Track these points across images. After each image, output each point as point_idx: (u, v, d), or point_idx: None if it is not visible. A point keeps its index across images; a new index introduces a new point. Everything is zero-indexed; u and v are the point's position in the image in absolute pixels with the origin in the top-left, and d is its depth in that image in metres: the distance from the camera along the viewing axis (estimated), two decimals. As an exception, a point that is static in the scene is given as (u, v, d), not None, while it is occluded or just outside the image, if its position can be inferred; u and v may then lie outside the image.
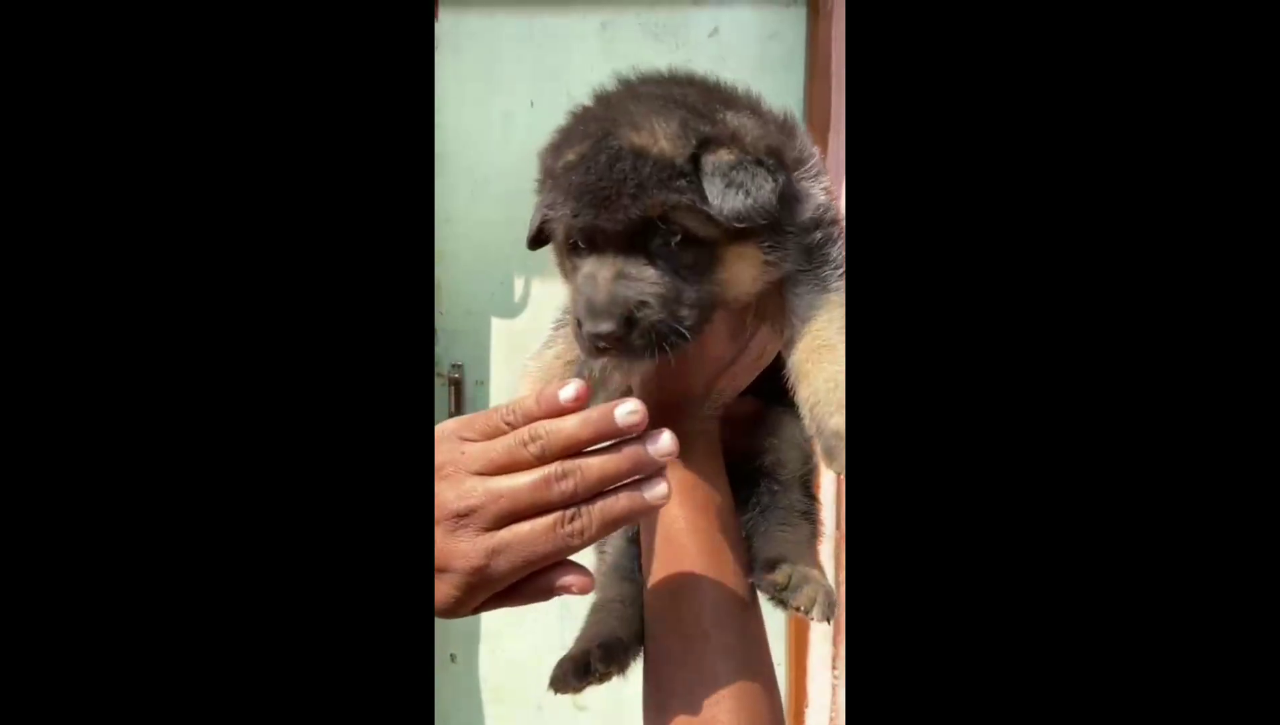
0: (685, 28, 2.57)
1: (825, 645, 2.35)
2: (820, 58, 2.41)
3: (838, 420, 0.70)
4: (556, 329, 0.90)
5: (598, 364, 0.82)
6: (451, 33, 2.55)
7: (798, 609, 0.84)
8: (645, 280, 0.73)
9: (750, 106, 0.81)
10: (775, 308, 0.82)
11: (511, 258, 2.55)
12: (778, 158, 0.77)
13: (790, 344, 0.77)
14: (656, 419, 0.81)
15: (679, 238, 0.74)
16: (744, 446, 0.96)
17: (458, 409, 2.55)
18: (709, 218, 0.73)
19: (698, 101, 0.78)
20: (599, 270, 0.74)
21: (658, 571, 0.83)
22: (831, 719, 2.48)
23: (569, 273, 0.81)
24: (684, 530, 0.82)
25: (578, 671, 0.92)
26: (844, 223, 0.80)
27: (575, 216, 0.74)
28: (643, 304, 0.72)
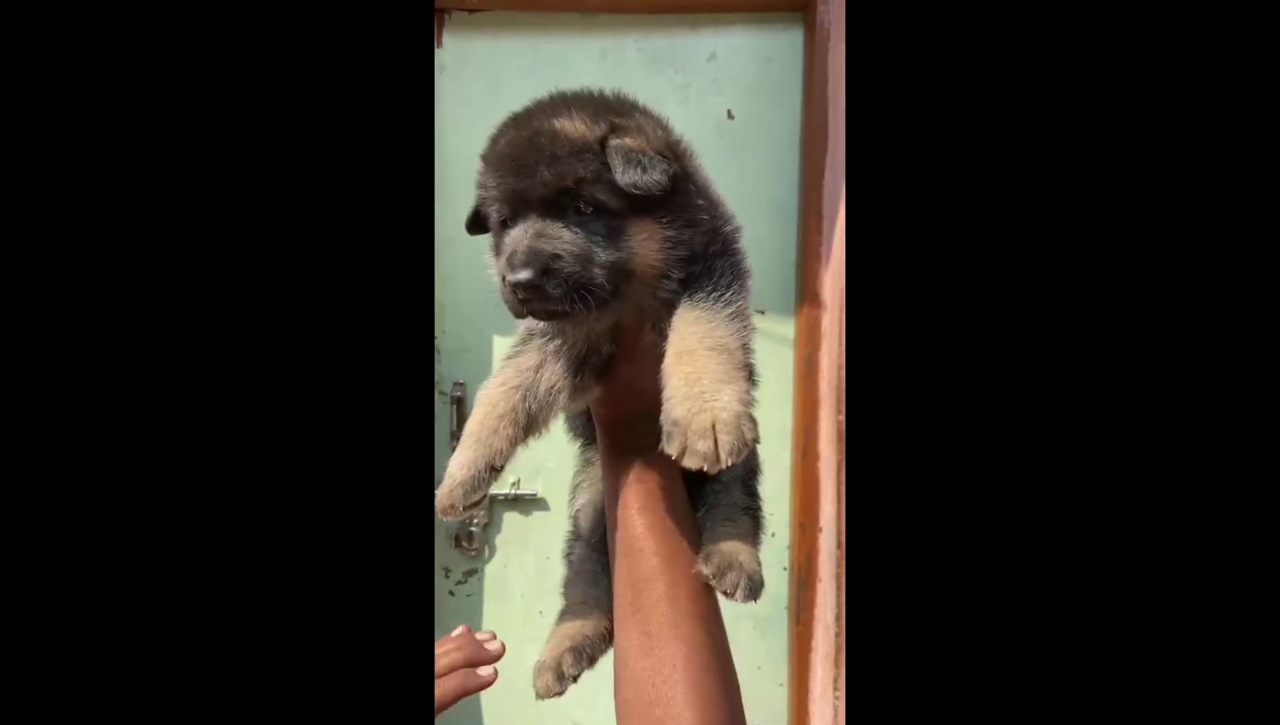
0: (684, 53, 2.60)
1: (828, 667, 2.33)
2: (817, 81, 2.44)
3: (679, 411, 0.80)
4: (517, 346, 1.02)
5: (546, 375, 0.96)
6: (454, 59, 2.59)
7: (725, 593, 0.92)
8: (561, 239, 0.84)
9: (657, 119, 0.95)
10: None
11: (513, 278, 2.58)
12: (673, 152, 0.90)
13: (665, 352, 0.87)
14: (623, 435, 0.96)
15: (591, 209, 0.85)
16: None
17: (458, 426, 2.56)
18: (614, 189, 0.84)
19: (614, 102, 0.93)
20: (521, 231, 0.85)
21: (621, 573, 0.92)
22: (834, 741, 2.45)
23: (500, 252, 0.90)
24: (643, 536, 0.91)
25: (557, 677, 1.03)
26: (739, 256, 0.92)
27: (499, 185, 0.87)
28: (557, 257, 0.83)
